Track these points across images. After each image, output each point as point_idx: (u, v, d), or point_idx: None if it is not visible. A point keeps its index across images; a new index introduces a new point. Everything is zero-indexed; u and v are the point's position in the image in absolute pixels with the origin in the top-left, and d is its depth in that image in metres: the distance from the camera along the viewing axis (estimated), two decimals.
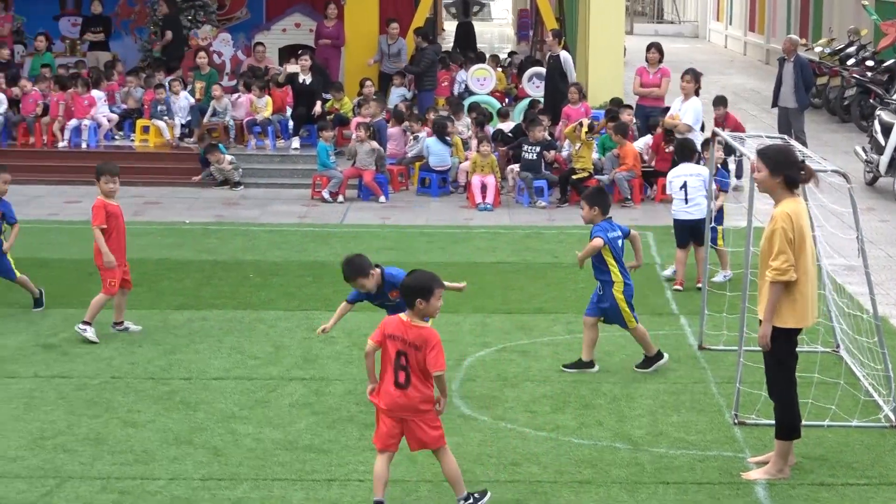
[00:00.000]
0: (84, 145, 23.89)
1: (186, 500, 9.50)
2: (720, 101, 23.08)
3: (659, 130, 21.66)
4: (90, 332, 13.38)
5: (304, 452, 10.47)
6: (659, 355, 12.68)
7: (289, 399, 11.78)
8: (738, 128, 22.18)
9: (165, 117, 24.00)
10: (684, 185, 15.66)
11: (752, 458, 10.40)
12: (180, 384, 12.17)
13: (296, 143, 24.03)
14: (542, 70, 25.13)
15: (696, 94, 19.28)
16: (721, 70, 44.33)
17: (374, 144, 21.89)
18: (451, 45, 37.37)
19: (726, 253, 15.96)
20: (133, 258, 17.11)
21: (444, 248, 18.18)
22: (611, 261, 12.40)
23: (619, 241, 12.50)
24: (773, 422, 10.15)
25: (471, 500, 9.32)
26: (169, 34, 27.16)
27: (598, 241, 12.37)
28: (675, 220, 15.87)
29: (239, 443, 10.67)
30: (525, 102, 24.79)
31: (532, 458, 10.38)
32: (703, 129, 19.58)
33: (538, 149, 21.30)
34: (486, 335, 13.86)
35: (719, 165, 16.29)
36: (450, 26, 50.38)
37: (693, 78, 19.26)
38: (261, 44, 26.92)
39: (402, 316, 9.26)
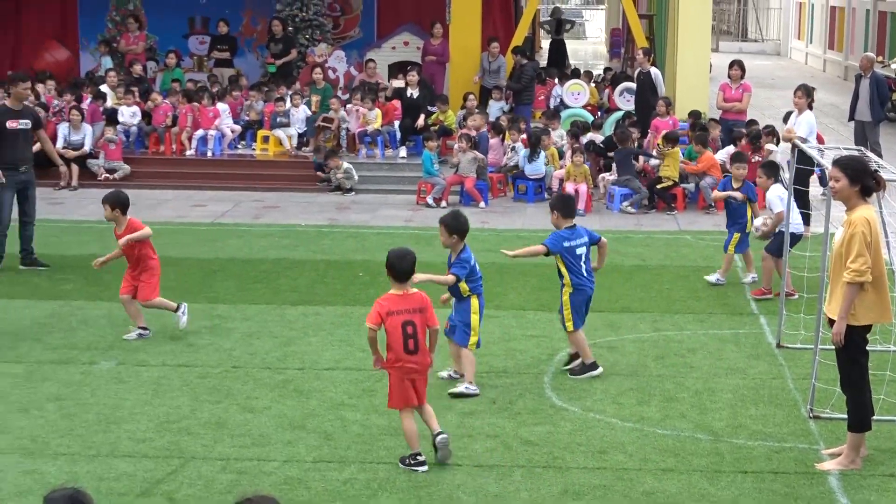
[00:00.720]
0: (209, 154, 24.15)
1: (299, 481, 9.57)
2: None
3: (744, 142, 21.48)
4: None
5: None
6: (594, 365, 12.23)
7: None
8: (818, 139, 21.94)
9: (284, 128, 24.17)
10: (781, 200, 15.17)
11: (826, 450, 10.26)
12: (294, 374, 12.26)
13: (403, 152, 24.11)
14: (633, 85, 24.98)
15: (809, 107, 19.02)
16: None
17: (476, 154, 21.92)
18: (546, 61, 37.29)
19: (731, 259, 16.09)
20: (254, 258, 17.36)
21: None
22: (562, 268, 12.22)
23: (579, 249, 12.21)
24: (845, 416, 10.03)
25: (407, 461, 9.84)
26: (294, 52, 27.38)
27: (539, 248, 12.28)
28: (793, 234, 14.50)
29: (347, 428, 10.73)
30: (616, 115, 24.65)
31: (618, 447, 10.32)
32: (818, 140, 19.40)
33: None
34: None
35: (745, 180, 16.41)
36: (546, 44, 50.25)
37: (804, 93, 18.98)
38: (372, 60, 27.02)
39: (394, 291, 9.82)
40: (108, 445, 10.25)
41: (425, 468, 9.77)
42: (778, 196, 15.14)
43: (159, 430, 10.65)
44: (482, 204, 21.63)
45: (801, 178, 18.37)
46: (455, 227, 11.57)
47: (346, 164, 22.87)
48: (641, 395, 11.66)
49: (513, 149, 22.68)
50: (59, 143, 23.16)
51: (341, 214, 20.99)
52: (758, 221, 15.51)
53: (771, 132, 22.69)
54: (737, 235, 15.89)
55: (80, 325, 13.77)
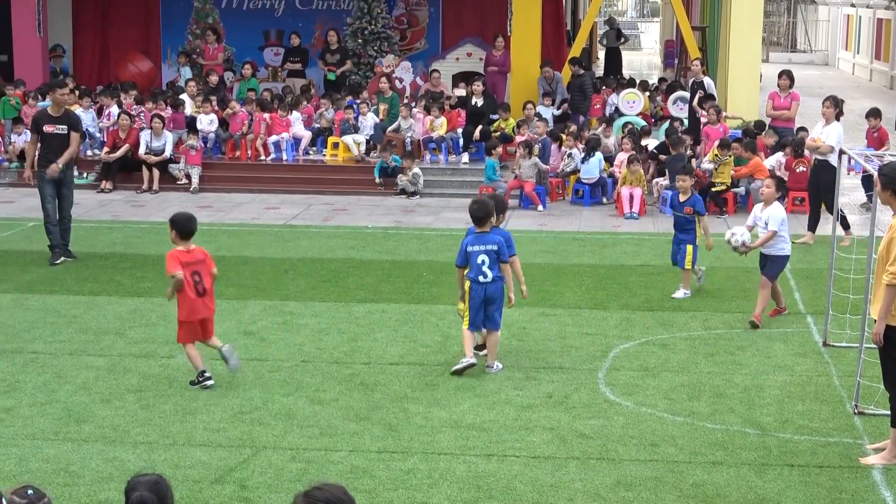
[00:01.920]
0: (283, 159, 24.24)
1: (364, 470, 9.56)
2: (873, 113, 22.55)
3: (788, 151, 21.33)
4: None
5: (467, 430, 10.46)
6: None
7: (454, 383, 11.78)
8: (883, 138, 21.79)
9: (353, 135, 24.21)
10: (783, 222, 13.99)
11: (870, 445, 10.12)
12: (361, 368, 12.26)
13: (465, 158, 24.07)
14: (686, 94, 24.80)
15: (837, 118, 18.77)
16: (849, 94, 43.22)
17: (536, 160, 21.87)
18: (602, 71, 37.11)
19: (690, 274, 15.23)
20: (323, 257, 17.40)
21: (594, 252, 18.03)
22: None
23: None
24: (889, 412, 9.88)
25: (196, 381, 11.39)
26: (349, 63, 27.43)
27: None
28: (787, 257, 14.13)
29: (410, 420, 10.71)
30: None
31: (669, 440, 10.23)
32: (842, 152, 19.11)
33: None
34: (630, 329, 13.72)
35: (696, 192, 15.75)
36: (602, 54, 50.00)
37: (833, 104, 18.74)
38: (437, 70, 27.01)
39: (181, 248, 11.64)
40: (185, 435, 10.30)
41: (212, 382, 11.40)
42: (781, 217, 13.90)
43: (233, 420, 10.68)
44: (540, 207, 21.55)
45: (824, 186, 18.28)
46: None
47: (415, 169, 22.88)
48: (692, 391, 11.55)
49: (569, 155, 22.59)
50: (142, 150, 23.36)
51: (406, 217, 20.99)
52: (738, 236, 13.95)
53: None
54: (690, 247, 15.05)
55: (159, 321, 13.84)
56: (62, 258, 16.79)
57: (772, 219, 13.85)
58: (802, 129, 22.81)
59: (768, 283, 13.85)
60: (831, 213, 18.33)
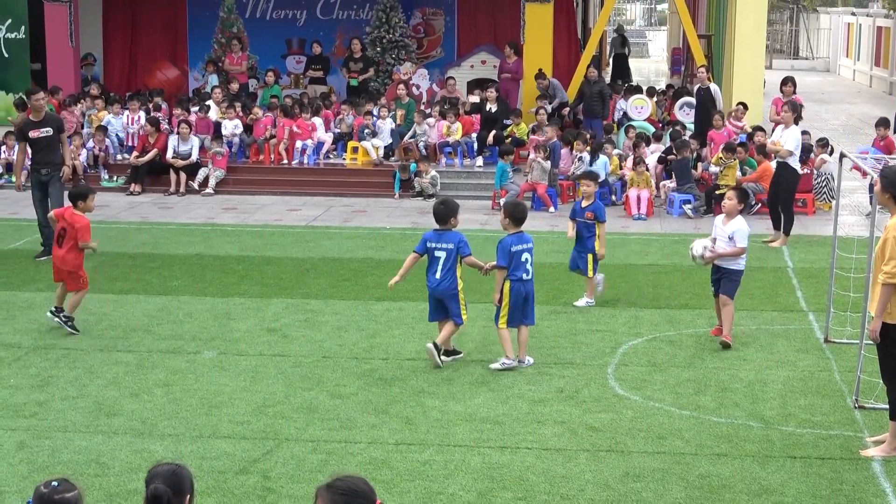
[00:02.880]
0: (306, 163, 24.25)
1: (383, 461, 9.56)
2: (882, 123, 22.47)
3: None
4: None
5: (482, 423, 10.46)
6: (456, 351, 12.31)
7: (469, 378, 11.78)
8: (890, 147, 21.73)
9: (372, 139, 24.22)
10: (732, 237, 12.88)
11: (870, 438, 10.10)
12: (379, 363, 12.26)
13: (479, 161, 24.05)
14: (692, 100, 24.73)
15: (796, 122, 18.75)
16: (850, 100, 43.13)
17: (546, 163, 21.84)
18: (610, 76, 37.05)
19: (592, 281, 14.61)
20: (342, 257, 17.40)
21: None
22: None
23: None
24: (888, 406, 9.84)
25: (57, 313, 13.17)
26: (371, 71, 27.45)
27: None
28: (742, 272, 13.01)
29: (427, 414, 10.71)
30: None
31: (676, 433, 10.21)
32: (802, 155, 19.07)
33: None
34: (638, 326, 13.69)
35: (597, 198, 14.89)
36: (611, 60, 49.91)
37: (791, 108, 18.69)
38: (452, 78, 27.00)
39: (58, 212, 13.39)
40: (210, 427, 10.31)
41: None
42: (747, 231, 12.91)
43: (256, 413, 10.69)
44: (552, 209, 21.52)
45: (783, 187, 18.27)
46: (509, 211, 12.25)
47: (433, 172, 22.88)
48: (698, 386, 11.52)
49: (580, 158, 22.56)
50: (169, 154, 23.40)
51: (423, 218, 20.95)
52: (699, 247, 13.02)
53: (825, 144, 22.43)
54: (591, 256, 14.47)
55: (186, 319, 13.87)
56: (46, 256, 16.60)
57: (738, 234, 12.78)
58: (759, 128, 22.63)
59: (729, 301, 12.80)
60: (784, 212, 18.39)
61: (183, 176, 23.22)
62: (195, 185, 23.16)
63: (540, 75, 25.83)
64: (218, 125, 24.58)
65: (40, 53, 27.62)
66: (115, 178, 23.76)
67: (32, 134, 17.13)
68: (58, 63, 26.92)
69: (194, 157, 23.50)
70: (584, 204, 14.71)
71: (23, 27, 26.98)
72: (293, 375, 11.81)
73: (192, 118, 24.35)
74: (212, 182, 23.19)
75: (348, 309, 14.39)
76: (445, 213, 12.29)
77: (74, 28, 26.93)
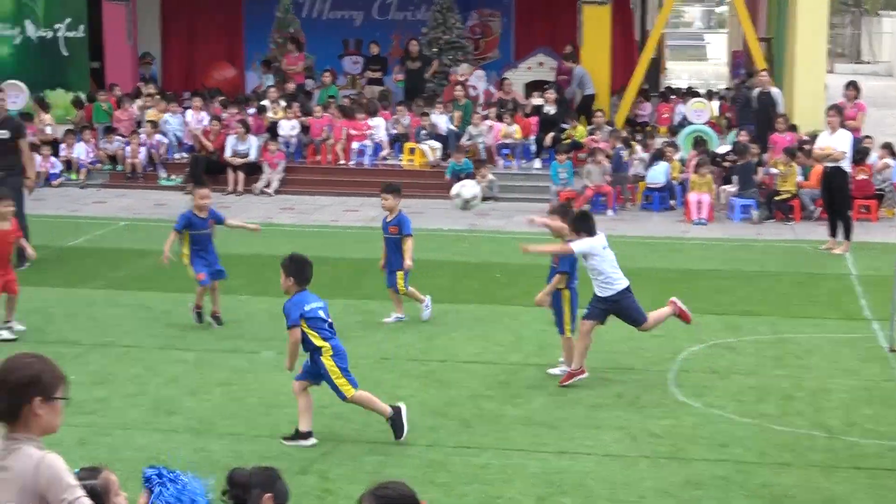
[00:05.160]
0: (365, 163, 24.33)
1: (440, 464, 9.57)
2: None
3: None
4: None
5: (539, 427, 10.44)
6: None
7: (527, 381, 11.77)
8: None
9: (429, 141, 24.25)
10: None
11: None
12: (437, 365, 12.27)
13: (537, 163, 24.03)
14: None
15: (842, 125, 18.59)
16: None
17: (605, 166, 21.78)
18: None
19: (401, 298, 14.08)
20: None
21: (662, 257, 17.92)
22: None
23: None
24: None
25: None
26: (435, 63, 27.49)
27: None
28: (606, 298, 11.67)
29: (484, 417, 10.70)
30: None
31: (738, 441, 10.14)
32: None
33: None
34: (699, 333, 13.58)
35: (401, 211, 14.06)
36: (672, 65, 49.75)
37: (836, 112, 18.57)
38: (507, 79, 27.00)
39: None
40: (270, 427, 10.36)
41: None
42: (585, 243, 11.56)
43: (315, 414, 10.67)
44: (610, 212, 21.45)
45: (836, 191, 18.10)
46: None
47: (490, 176, 22.85)
48: (760, 393, 11.44)
49: (638, 161, 22.49)
50: (227, 153, 23.56)
51: (480, 220, 20.97)
52: (465, 191, 13.21)
53: (888, 148, 22.21)
54: (401, 272, 13.90)
55: (245, 318, 13.95)
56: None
57: (589, 252, 11.62)
58: (867, 137, 22.43)
59: (588, 326, 11.60)
60: (841, 219, 18.18)
61: (241, 175, 23.37)
62: (257, 189, 23.25)
63: (568, 56, 25.78)
64: (274, 125, 24.71)
65: (98, 52, 27.90)
66: (172, 177, 23.95)
67: None
68: (116, 61, 27.22)
69: (252, 156, 23.64)
70: (389, 218, 14.00)
71: (82, 26, 27.26)
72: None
73: (250, 118, 24.50)
74: (274, 185, 23.31)
75: (405, 310, 14.39)
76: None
77: (133, 26, 27.21)
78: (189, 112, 25.00)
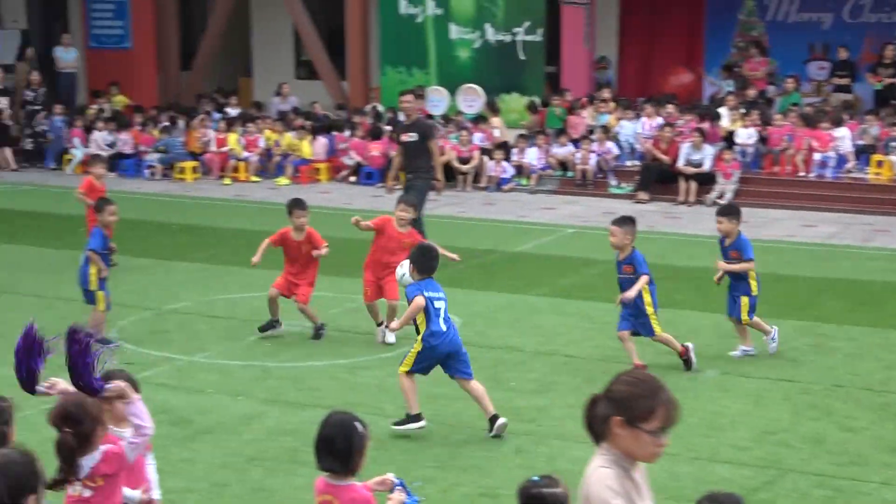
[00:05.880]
0: (827, 175, 23.65)
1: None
2: None
3: None
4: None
5: None
6: (418, 417, 10.68)
7: None
8: None
9: None
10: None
11: None
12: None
13: None
14: None
15: None
16: None
17: None
18: None
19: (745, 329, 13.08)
20: (860, 279, 16.74)
21: None
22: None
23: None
24: None
25: None
26: None
27: None
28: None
29: None
30: None
31: None
32: None
33: None
34: None
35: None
36: None
37: None
38: None
39: None
40: (709, 450, 10.29)
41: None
42: None
43: (758, 440, 10.55)
44: None
45: None
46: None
47: None
48: None
49: None
50: (681, 161, 23.57)
51: None
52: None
53: None
54: (745, 299, 12.98)
55: (689, 333, 13.89)
56: None
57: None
58: None
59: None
60: None
61: (693, 185, 23.33)
62: (709, 200, 23.11)
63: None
64: (730, 134, 24.49)
65: (555, 56, 28.66)
66: (622, 185, 24.24)
67: (403, 137, 17.63)
68: (572, 66, 27.83)
69: (706, 166, 23.54)
70: (727, 243, 13.19)
71: (540, 30, 28.08)
72: (800, 403, 11.55)
73: (706, 125, 24.38)
74: (727, 195, 23.11)
75: (864, 336, 13.88)
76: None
77: (590, 30, 27.75)
78: (642, 118, 25.22)
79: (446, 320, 10.65)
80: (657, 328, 12.39)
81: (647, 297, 12.31)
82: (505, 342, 13.58)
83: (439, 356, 10.65)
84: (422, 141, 17.30)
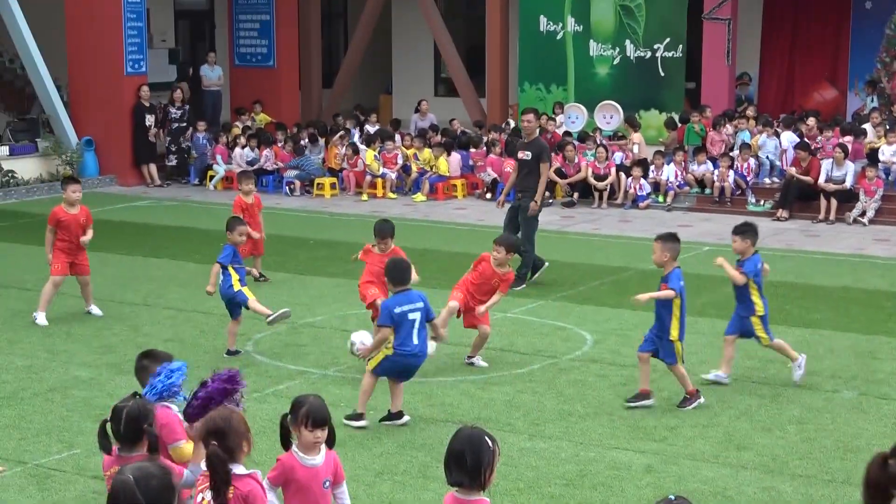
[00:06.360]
0: None
1: None
2: None
3: None
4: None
5: None
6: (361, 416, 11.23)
7: None
8: None
9: None
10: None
11: None
12: None
13: None
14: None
15: None
16: None
17: None
18: None
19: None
20: None
21: None
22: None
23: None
24: None
25: None
26: None
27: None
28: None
29: None
30: None
31: None
32: None
33: None
34: None
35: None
36: None
37: None
38: None
39: None
40: (844, 473, 10.08)
41: None
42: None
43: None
44: None
45: None
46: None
47: None
48: None
49: None
50: (822, 178, 23.14)
51: None
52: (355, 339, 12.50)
53: None
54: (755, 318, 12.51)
55: (826, 354, 13.65)
56: None
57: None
58: None
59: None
60: None
61: (834, 202, 22.90)
62: (850, 218, 22.65)
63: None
64: (875, 151, 23.99)
65: (695, 72, 28.41)
66: (761, 202, 23.90)
67: (519, 155, 17.57)
68: (712, 82, 27.56)
69: (848, 183, 23.08)
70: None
71: (681, 46, 27.86)
72: None
73: (848, 140, 23.92)
74: (869, 214, 22.65)
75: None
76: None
77: (732, 46, 27.44)
78: (785, 135, 24.85)
79: (420, 330, 10.96)
80: (679, 358, 11.73)
81: (674, 324, 11.60)
82: (637, 361, 13.45)
83: (409, 367, 11.16)
84: (535, 161, 17.32)
